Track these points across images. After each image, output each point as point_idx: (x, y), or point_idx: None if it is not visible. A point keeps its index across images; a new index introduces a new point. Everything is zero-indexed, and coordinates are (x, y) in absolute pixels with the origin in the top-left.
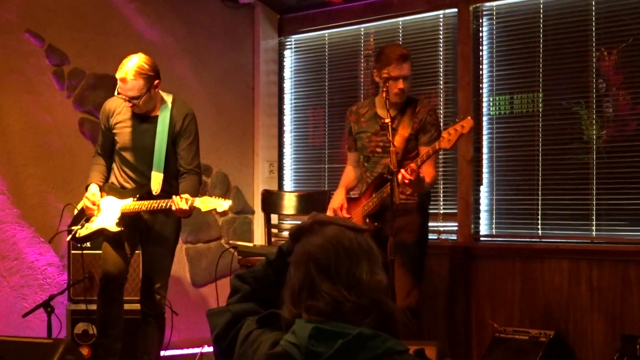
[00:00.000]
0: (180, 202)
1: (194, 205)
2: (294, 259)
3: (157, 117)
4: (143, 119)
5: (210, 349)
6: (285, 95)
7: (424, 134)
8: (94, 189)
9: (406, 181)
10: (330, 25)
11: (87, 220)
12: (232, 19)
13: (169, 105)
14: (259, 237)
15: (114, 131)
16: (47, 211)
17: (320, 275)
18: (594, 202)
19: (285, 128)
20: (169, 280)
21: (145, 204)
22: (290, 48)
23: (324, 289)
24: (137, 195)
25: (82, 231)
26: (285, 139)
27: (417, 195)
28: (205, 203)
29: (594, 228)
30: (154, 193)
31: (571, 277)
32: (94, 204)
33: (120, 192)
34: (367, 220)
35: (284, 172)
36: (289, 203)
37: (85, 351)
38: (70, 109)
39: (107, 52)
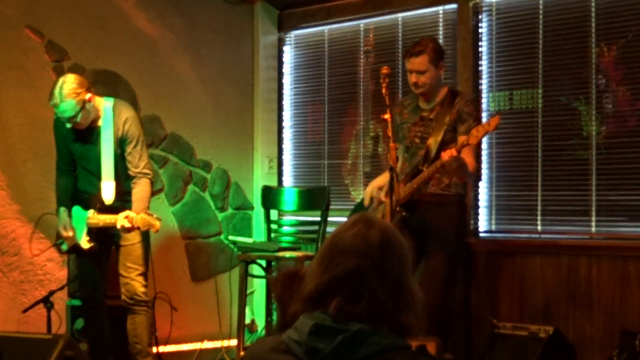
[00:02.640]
0: (123, 220)
1: (135, 224)
2: (345, 246)
3: (99, 126)
4: (87, 130)
5: (209, 345)
6: (284, 91)
7: (462, 123)
8: (64, 222)
9: (446, 158)
10: (329, 21)
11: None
12: (231, 14)
13: (110, 111)
14: (258, 233)
15: (68, 146)
16: (47, 207)
17: (374, 273)
18: (594, 198)
19: (284, 124)
20: (148, 269)
21: (101, 220)
22: (290, 44)
23: (377, 292)
24: (97, 207)
25: (64, 247)
26: (284, 135)
27: (454, 186)
28: (142, 222)
29: (593, 224)
30: (106, 203)
31: (570, 273)
32: (67, 235)
33: (84, 202)
34: (398, 209)
35: (284, 167)
36: (289, 199)
37: (84, 347)
38: None
39: (107, 47)
